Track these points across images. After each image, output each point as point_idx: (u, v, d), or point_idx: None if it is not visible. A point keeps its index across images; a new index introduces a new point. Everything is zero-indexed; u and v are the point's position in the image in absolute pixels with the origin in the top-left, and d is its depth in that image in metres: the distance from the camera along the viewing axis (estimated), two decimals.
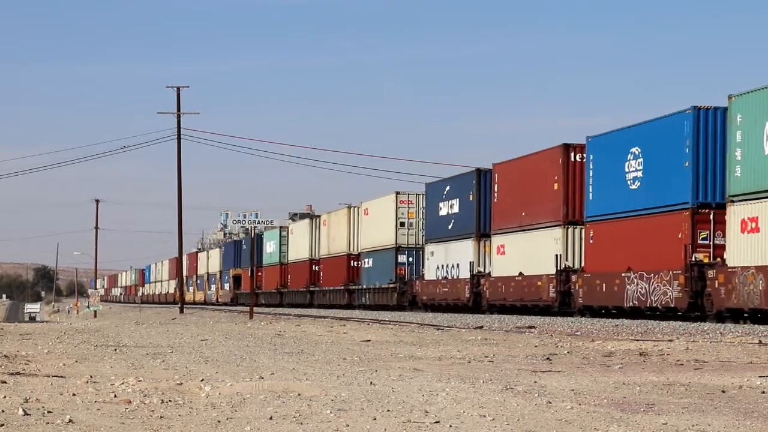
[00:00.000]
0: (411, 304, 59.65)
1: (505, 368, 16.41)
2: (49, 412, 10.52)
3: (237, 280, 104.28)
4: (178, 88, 66.36)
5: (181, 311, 64.61)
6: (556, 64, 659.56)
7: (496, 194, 49.11)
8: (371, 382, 13.58)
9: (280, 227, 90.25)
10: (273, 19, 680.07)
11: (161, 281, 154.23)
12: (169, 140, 66.86)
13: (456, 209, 53.82)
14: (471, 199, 51.99)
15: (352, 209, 70.62)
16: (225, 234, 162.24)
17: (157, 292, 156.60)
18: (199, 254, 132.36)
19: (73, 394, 12.02)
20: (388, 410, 10.69)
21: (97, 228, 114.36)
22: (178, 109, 66.10)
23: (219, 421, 9.95)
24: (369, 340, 25.28)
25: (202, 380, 13.63)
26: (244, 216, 47.76)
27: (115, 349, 21.39)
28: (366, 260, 67.24)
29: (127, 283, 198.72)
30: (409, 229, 61.90)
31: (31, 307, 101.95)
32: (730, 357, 18.41)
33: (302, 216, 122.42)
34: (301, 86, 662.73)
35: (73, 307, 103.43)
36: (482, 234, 50.90)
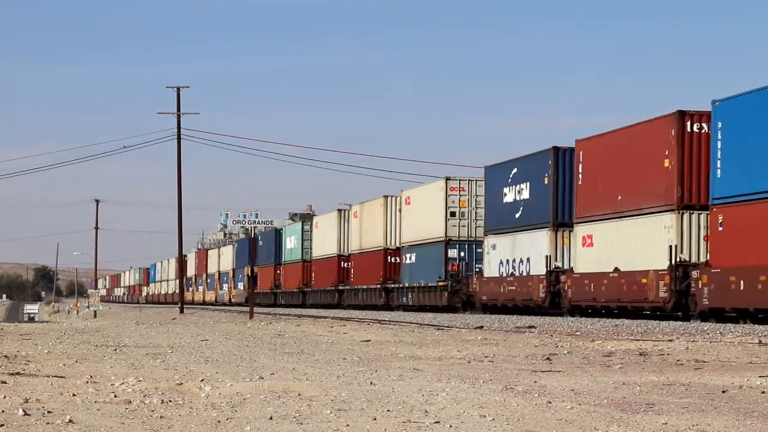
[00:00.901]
0: (465, 305, 52.91)
1: (505, 368, 16.41)
2: (49, 412, 10.52)
3: (254, 279, 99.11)
4: (178, 88, 66.38)
5: (181, 311, 64.62)
6: (557, 64, 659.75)
7: (580, 175, 41.84)
8: (371, 382, 13.58)
9: (303, 221, 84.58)
10: (273, 19, 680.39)
11: (167, 281, 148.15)
12: (169, 140, 66.92)
13: (526, 195, 46.47)
14: (546, 182, 44.68)
15: (389, 199, 63.34)
16: (225, 234, 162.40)
17: (162, 292, 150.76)
18: (209, 252, 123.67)
19: (73, 395, 12.03)
20: (388, 410, 10.69)
21: (97, 228, 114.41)
22: (178, 109, 66.12)
23: (219, 421, 9.95)
24: (369, 340, 25.28)
25: (202, 380, 13.64)
26: (244, 216, 47.79)
27: (115, 349, 21.39)
28: (408, 255, 60.31)
29: (130, 282, 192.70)
30: (460, 220, 54.70)
31: (30, 308, 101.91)
32: (730, 357, 18.41)
33: (302, 216, 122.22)
34: (301, 86, 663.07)
35: (72, 308, 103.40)
36: (560, 223, 44.04)
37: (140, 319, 51.06)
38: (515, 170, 47.75)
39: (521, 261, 46.88)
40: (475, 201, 53.99)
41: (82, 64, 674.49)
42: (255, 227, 49.38)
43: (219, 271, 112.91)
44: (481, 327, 32.75)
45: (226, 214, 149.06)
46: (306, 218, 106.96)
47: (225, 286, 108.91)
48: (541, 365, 17.07)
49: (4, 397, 11.64)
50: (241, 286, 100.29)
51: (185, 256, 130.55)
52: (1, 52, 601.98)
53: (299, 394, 12.10)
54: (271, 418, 10.13)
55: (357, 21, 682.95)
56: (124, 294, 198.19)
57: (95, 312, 74.40)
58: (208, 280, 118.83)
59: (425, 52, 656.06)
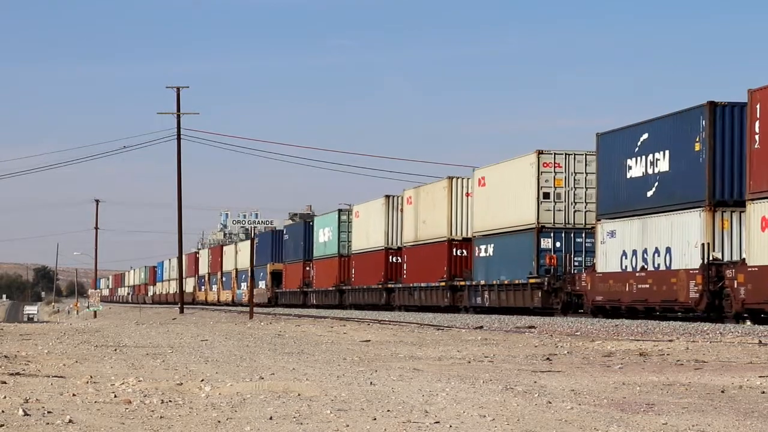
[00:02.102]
0: (567, 307, 43.17)
1: (505, 368, 16.41)
2: (49, 412, 10.52)
3: (277, 276, 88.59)
4: (178, 88, 66.37)
5: (181, 311, 64.62)
6: (557, 64, 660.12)
7: (757, 136, 31.87)
8: (371, 382, 13.59)
9: (339, 210, 73.34)
10: (273, 19, 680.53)
11: (175, 279, 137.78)
12: (169, 140, 66.88)
13: (663, 166, 37.05)
14: (697, 148, 35.19)
15: (455, 181, 54.09)
16: (225, 234, 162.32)
17: (170, 291, 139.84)
18: (224, 248, 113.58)
19: (73, 395, 12.03)
20: (388, 410, 10.70)
21: (97, 228, 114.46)
22: (178, 109, 66.12)
23: (219, 422, 9.95)
24: (369, 340, 25.28)
25: (202, 380, 13.64)
26: (244, 216, 47.82)
27: (115, 350, 21.40)
28: (482, 247, 50.19)
29: (135, 282, 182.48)
30: (555, 203, 44.84)
31: (30, 309, 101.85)
32: (730, 357, 18.42)
33: (302, 216, 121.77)
34: (300, 86, 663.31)
35: (72, 308, 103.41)
36: (719, 201, 34.35)
37: (140, 320, 51.08)
38: (645, 136, 38.18)
39: (657, 252, 37.06)
40: (574, 179, 44.75)
41: (82, 64, 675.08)
42: (255, 227, 49.38)
43: (236, 269, 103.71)
44: (481, 327, 32.76)
45: (226, 214, 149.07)
46: (305, 217, 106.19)
47: (243, 285, 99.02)
48: (541, 365, 17.07)
49: (4, 397, 11.64)
50: (262, 284, 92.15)
51: (197, 253, 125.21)
52: (1, 52, 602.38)
53: (299, 394, 12.10)
54: (271, 418, 10.13)
55: (357, 21, 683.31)
56: (128, 294, 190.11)
57: (95, 312, 74.40)
58: (224, 279, 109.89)
59: (425, 52, 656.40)
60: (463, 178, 53.90)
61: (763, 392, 12.66)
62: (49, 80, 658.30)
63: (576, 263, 44.19)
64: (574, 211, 44.99)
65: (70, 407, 10.93)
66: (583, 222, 44.36)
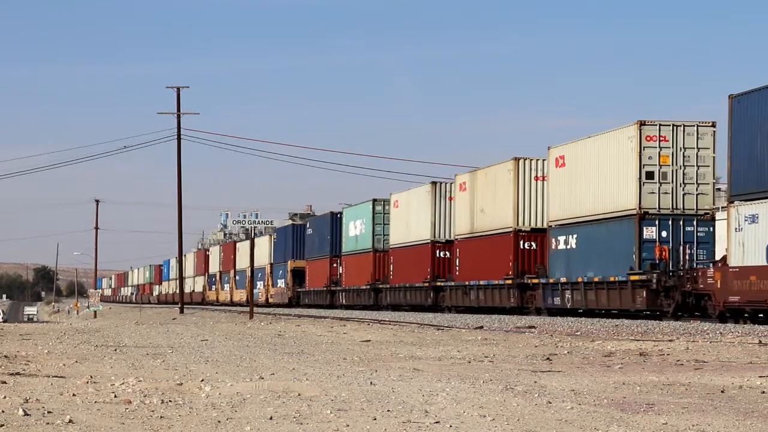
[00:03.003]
0: (681, 309, 36.33)
1: (505, 368, 16.41)
2: (49, 412, 10.52)
3: (298, 274, 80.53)
4: (178, 88, 66.34)
5: (181, 311, 64.59)
6: (557, 64, 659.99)
7: None
8: (371, 382, 13.58)
9: (374, 200, 64.57)
10: (273, 19, 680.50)
11: (184, 278, 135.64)
12: (169, 140, 66.82)
13: None
14: None
15: (523, 163, 46.50)
16: (225, 234, 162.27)
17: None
18: (238, 244, 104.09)
19: (73, 395, 12.03)
20: (388, 410, 10.70)
21: (97, 228, 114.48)
22: (178, 109, 66.08)
23: (219, 421, 9.95)
24: (369, 340, 25.28)
25: (202, 380, 13.64)
26: (244, 216, 47.85)
27: (115, 350, 21.40)
28: (561, 239, 42.66)
29: (139, 281, 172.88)
30: (661, 184, 37.89)
31: (29, 310, 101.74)
32: (730, 357, 18.42)
33: (302, 216, 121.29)
34: (300, 86, 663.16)
35: (72, 308, 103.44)
36: None
37: (140, 320, 51.09)
38: None
39: None
40: (683, 156, 37.91)
41: (82, 65, 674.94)
42: (255, 227, 49.39)
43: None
44: (481, 327, 32.75)
45: (226, 214, 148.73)
46: (306, 217, 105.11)
47: (259, 284, 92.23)
48: (541, 365, 17.07)
49: (4, 397, 11.64)
50: (281, 283, 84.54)
51: (207, 250, 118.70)
52: (2, 52, 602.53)
53: (299, 394, 12.10)
54: (271, 418, 10.13)
55: (357, 21, 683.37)
56: (132, 293, 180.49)
57: (95, 312, 74.41)
58: (237, 278, 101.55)
59: (426, 53, 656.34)
60: (532, 159, 46.39)
61: (763, 392, 12.66)
62: (49, 80, 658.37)
63: (687, 255, 37.11)
64: (684, 194, 37.85)
65: (70, 407, 10.92)
66: (694, 207, 37.60)
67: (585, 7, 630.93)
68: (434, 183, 55.48)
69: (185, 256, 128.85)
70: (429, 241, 55.61)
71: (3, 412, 10.46)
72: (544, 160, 45.44)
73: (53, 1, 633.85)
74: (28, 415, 10.26)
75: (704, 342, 22.58)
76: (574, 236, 41.70)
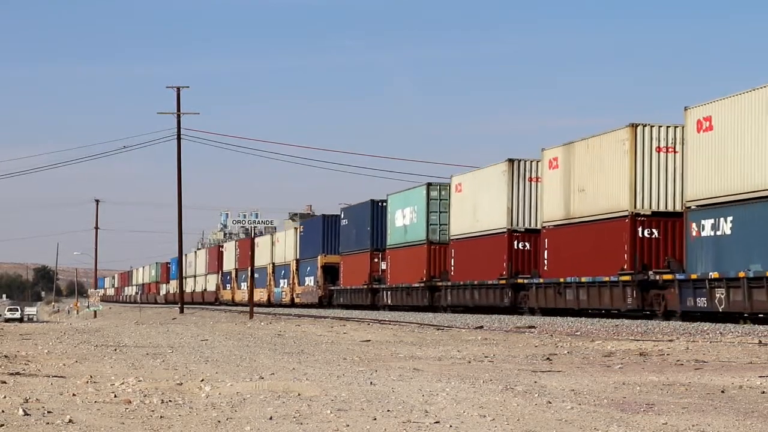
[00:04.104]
0: None
1: (505, 368, 16.41)
2: (49, 412, 10.52)
3: (330, 271, 72.23)
4: (178, 88, 66.36)
5: (181, 311, 64.58)
6: (557, 64, 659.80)
7: None
8: (371, 382, 13.58)
9: (429, 184, 55.32)
10: (274, 19, 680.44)
11: (195, 276, 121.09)
12: (169, 140, 66.87)
13: None
14: None
15: (641, 130, 37.25)
16: (225, 234, 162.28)
17: (188, 290, 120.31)
18: (257, 240, 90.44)
19: (73, 394, 12.03)
20: (388, 410, 10.69)
21: (97, 228, 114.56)
22: (178, 109, 66.11)
23: (219, 421, 9.95)
24: (369, 340, 25.28)
25: (202, 380, 13.64)
26: (244, 216, 47.86)
27: (115, 349, 21.41)
28: (707, 223, 33.46)
29: (144, 280, 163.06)
30: None
31: (29, 310, 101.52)
32: (730, 357, 18.41)
33: (302, 216, 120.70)
34: (300, 86, 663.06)
35: (72, 308, 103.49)
36: None
37: (140, 320, 51.09)
38: None
39: None
40: None
41: (82, 65, 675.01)
42: (255, 227, 49.38)
43: (273, 264, 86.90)
44: (481, 327, 32.74)
45: (226, 214, 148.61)
46: (306, 217, 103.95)
47: (283, 283, 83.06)
48: (541, 365, 17.07)
49: (4, 397, 11.64)
50: (310, 281, 75.77)
51: (220, 246, 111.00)
52: (2, 52, 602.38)
53: (299, 394, 12.10)
54: (271, 418, 10.13)
55: (357, 21, 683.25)
56: (137, 293, 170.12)
57: (95, 312, 74.46)
58: (256, 276, 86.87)
59: (426, 53, 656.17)
60: (653, 126, 37.47)
61: (763, 392, 12.66)
62: (49, 80, 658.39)
63: None
64: None
65: (70, 407, 10.92)
66: None
67: (585, 7, 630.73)
68: (511, 161, 45.99)
69: (195, 253, 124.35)
70: (505, 230, 45.94)
71: (3, 412, 10.46)
72: (669, 127, 37.22)
73: (53, 1, 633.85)
74: (28, 414, 10.26)
75: (704, 342, 22.57)
76: (728, 219, 32.73)
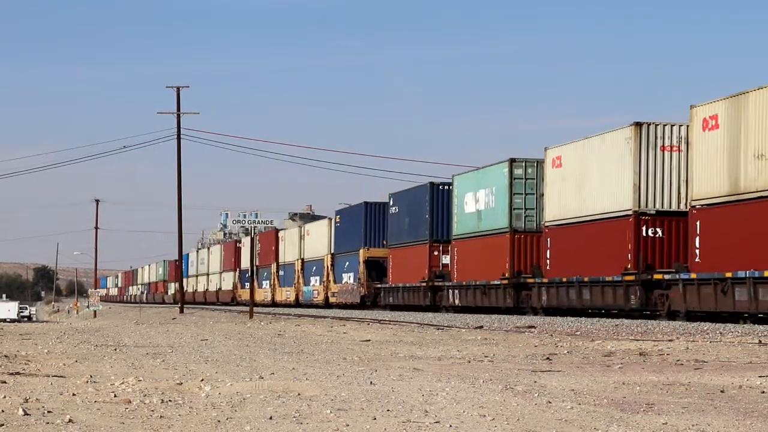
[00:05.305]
0: None
1: (505, 368, 16.41)
2: (49, 412, 10.52)
3: (375, 266, 63.92)
4: (178, 88, 66.36)
5: (181, 311, 64.58)
6: (557, 64, 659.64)
7: None
8: (371, 382, 13.59)
9: (512, 160, 45.36)
10: (274, 19, 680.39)
11: (208, 274, 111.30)
12: (169, 140, 66.88)
13: None
14: None
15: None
16: (225, 234, 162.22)
17: (201, 289, 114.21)
18: (281, 233, 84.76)
19: (73, 394, 12.03)
20: (388, 410, 10.69)
21: (97, 228, 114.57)
22: (178, 109, 66.11)
23: (219, 421, 9.95)
24: (369, 340, 25.28)
25: (202, 380, 13.64)
26: (244, 216, 47.83)
27: (115, 349, 21.41)
28: None
29: (151, 278, 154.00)
30: None
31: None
32: (730, 357, 18.42)
33: (302, 216, 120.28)
34: (300, 86, 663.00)
35: (72, 307, 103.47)
36: None
37: (140, 319, 51.09)
38: None
39: None
40: None
41: (82, 64, 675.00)
42: (255, 227, 49.35)
43: (302, 259, 78.21)
44: (481, 327, 32.74)
45: (226, 214, 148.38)
46: (307, 218, 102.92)
47: (314, 281, 74.88)
48: (541, 365, 17.07)
49: (4, 397, 11.64)
50: (348, 278, 67.00)
51: (237, 242, 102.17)
52: (2, 52, 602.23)
53: (299, 394, 12.11)
54: (271, 418, 10.13)
55: (357, 21, 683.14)
56: (142, 292, 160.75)
57: (95, 312, 74.44)
58: (281, 273, 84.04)
59: (427, 53, 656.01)
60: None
61: (763, 392, 12.66)
62: (49, 80, 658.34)
63: None
64: None
65: (70, 407, 10.93)
66: None
67: (585, 7, 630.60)
68: (639, 124, 36.54)
69: (209, 249, 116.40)
70: (630, 212, 36.32)
71: (3, 411, 10.46)
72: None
73: (53, 1, 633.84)
74: (28, 414, 10.26)
75: (704, 342, 22.57)
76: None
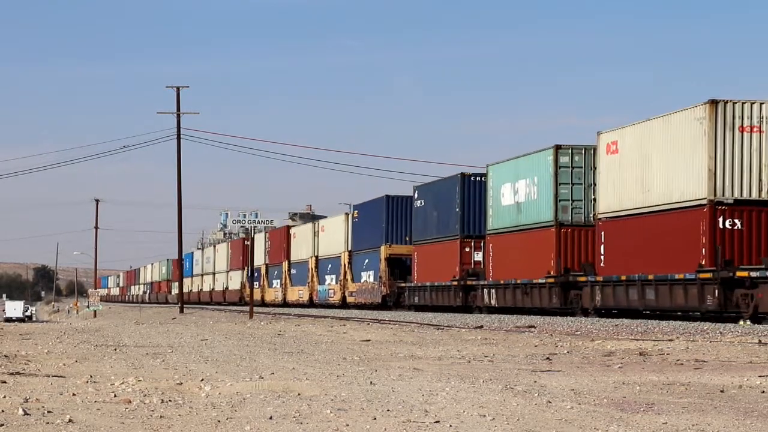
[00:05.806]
0: None
1: (505, 368, 16.41)
2: (49, 412, 10.52)
3: (397, 264, 59.62)
4: (178, 88, 66.38)
5: (181, 311, 64.60)
6: (557, 64, 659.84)
7: None
8: (371, 382, 13.59)
9: (557, 146, 41.38)
10: (274, 19, 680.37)
11: (214, 273, 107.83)
12: (169, 140, 66.90)
13: None
14: None
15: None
16: (225, 234, 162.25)
17: (206, 289, 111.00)
18: (292, 230, 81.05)
19: (73, 394, 12.03)
20: (388, 410, 10.70)
21: (97, 228, 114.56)
22: (178, 109, 66.13)
23: (219, 421, 9.95)
24: (369, 340, 25.28)
25: (202, 380, 13.64)
26: (244, 216, 47.82)
27: (115, 349, 21.42)
28: None
29: (153, 278, 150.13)
30: None
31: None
32: (729, 357, 18.42)
33: (302, 216, 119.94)
34: (301, 86, 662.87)
35: (72, 307, 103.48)
36: None
37: (140, 319, 51.09)
38: None
39: None
40: None
41: (82, 64, 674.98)
42: (255, 227, 49.34)
43: (316, 257, 73.81)
44: (481, 327, 32.74)
45: (226, 214, 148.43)
46: (305, 217, 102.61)
47: (330, 279, 70.93)
48: (541, 365, 17.07)
49: (4, 396, 11.64)
50: (368, 276, 62.60)
51: (245, 239, 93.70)
52: (2, 52, 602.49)
53: (299, 394, 12.11)
54: (271, 418, 10.13)
55: (357, 21, 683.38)
56: (145, 292, 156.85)
57: (95, 312, 74.45)
58: (293, 271, 79.90)
59: (427, 53, 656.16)
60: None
61: (763, 392, 12.66)
62: (49, 80, 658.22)
63: None
64: None
65: (70, 407, 10.93)
66: None
67: (585, 7, 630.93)
68: (714, 102, 32.20)
69: (215, 247, 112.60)
70: (705, 201, 32.16)
71: (3, 411, 10.46)
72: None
73: (53, 1, 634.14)
74: (28, 414, 10.26)
75: (704, 341, 22.57)
76: None
